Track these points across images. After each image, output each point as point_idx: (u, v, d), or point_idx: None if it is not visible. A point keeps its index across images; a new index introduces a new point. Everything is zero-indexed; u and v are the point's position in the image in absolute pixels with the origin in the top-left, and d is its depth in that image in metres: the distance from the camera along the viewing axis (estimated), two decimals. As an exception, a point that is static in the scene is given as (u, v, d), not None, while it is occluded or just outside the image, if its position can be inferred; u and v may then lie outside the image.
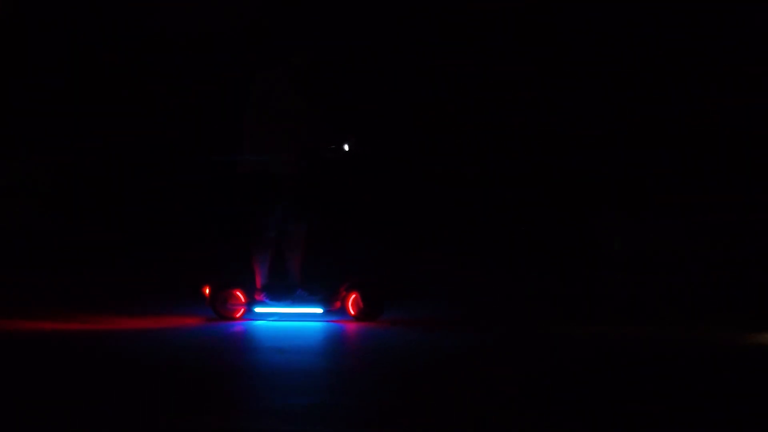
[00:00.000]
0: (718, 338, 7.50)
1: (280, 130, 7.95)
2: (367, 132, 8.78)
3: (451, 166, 13.04)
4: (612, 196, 13.05)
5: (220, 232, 10.97)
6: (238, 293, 8.15)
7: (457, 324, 8.29)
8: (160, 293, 9.88)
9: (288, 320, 8.10)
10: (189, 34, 13.41)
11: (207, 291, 8.19)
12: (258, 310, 8.14)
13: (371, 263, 8.36)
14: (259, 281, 8.12)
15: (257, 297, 8.11)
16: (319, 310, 8.11)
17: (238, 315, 8.16)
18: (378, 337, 7.48)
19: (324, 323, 8.03)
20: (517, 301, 9.79)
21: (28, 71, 14.03)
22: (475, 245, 11.90)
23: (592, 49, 13.30)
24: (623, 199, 12.90)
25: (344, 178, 8.09)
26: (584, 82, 13.31)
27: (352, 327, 7.91)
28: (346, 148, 7.99)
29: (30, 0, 14.08)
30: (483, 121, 13.47)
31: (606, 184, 13.18)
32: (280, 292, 8.11)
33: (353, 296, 8.05)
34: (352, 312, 8.09)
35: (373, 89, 12.81)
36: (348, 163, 7.99)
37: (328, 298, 8.09)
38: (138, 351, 6.81)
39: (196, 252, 11.02)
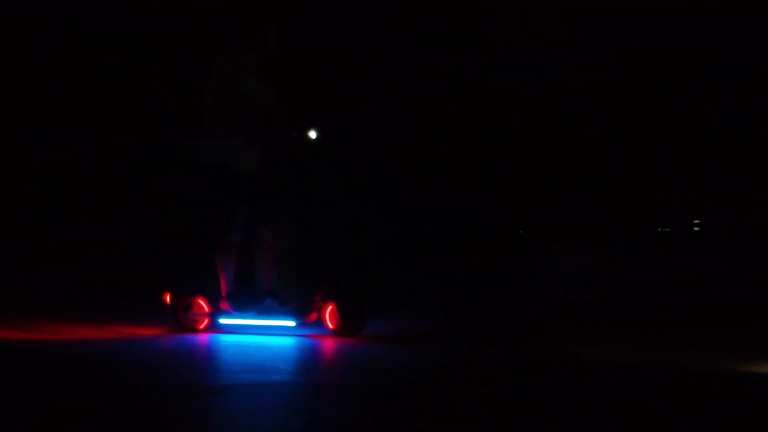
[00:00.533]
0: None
1: (241, 121, 6.10)
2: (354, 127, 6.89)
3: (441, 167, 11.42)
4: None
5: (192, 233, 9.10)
6: (201, 302, 6.29)
7: (447, 337, 6.46)
8: (129, 299, 8.09)
9: (257, 334, 6.22)
10: (189, 34, 11.79)
11: (168, 299, 6.37)
12: (223, 321, 6.27)
13: (350, 270, 6.42)
14: (224, 289, 6.26)
15: (222, 306, 6.25)
16: (292, 323, 6.17)
17: (201, 326, 6.29)
18: (358, 353, 5.59)
19: (296, 338, 6.11)
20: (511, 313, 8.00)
21: (28, 71, 12.50)
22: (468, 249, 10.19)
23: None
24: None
25: (320, 173, 6.16)
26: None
27: (328, 343, 5.97)
28: (313, 135, 6.05)
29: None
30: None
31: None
32: (247, 302, 6.24)
33: (330, 307, 6.13)
34: (330, 325, 6.16)
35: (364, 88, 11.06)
36: (318, 154, 6.09)
37: (302, 308, 6.15)
38: (81, 365, 5.01)
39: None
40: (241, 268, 6.21)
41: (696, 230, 12.25)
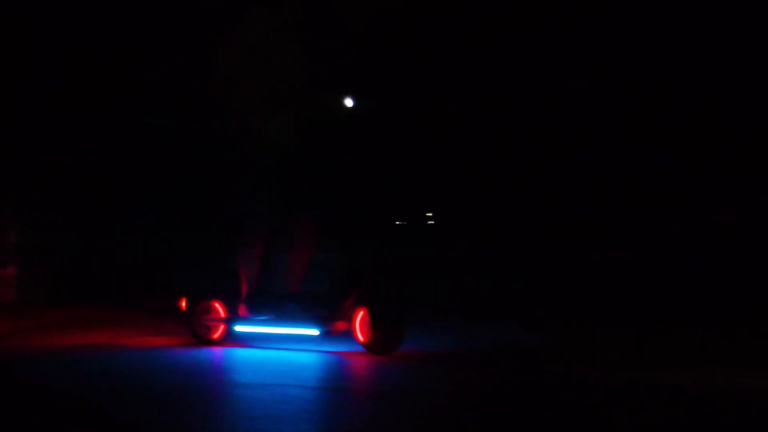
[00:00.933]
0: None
1: (271, 87, 5.18)
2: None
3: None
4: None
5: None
6: (218, 306, 5.45)
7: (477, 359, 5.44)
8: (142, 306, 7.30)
9: (272, 346, 5.32)
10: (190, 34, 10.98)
11: (184, 304, 5.54)
12: (238, 328, 5.39)
13: (388, 269, 5.42)
14: (244, 291, 5.40)
15: (240, 311, 5.42)
16: (315, 332, 5.17)
17: (216, 335, 5.46)
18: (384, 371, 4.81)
19: (315, 354, 5.12)
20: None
21: (29, 71, 11.71)
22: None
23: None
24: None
25: (355, 151, 5.24)
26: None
27: (356, 362, 4.96)
28: (350, 103, 5.16)
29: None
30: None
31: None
32: (267, 306, 5.35)
33: (361, 314, 5.09)
34: (361, 338, 5.11)
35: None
36: (355, 127, 5.20)
37: (329, 316, 5.16)
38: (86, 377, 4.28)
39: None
40: (267, 268, 5.31)
41: (430, 223, 11.80)
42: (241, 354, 5.14)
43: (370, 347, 5.11)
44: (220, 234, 5.66)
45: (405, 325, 5.05)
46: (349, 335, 5.19)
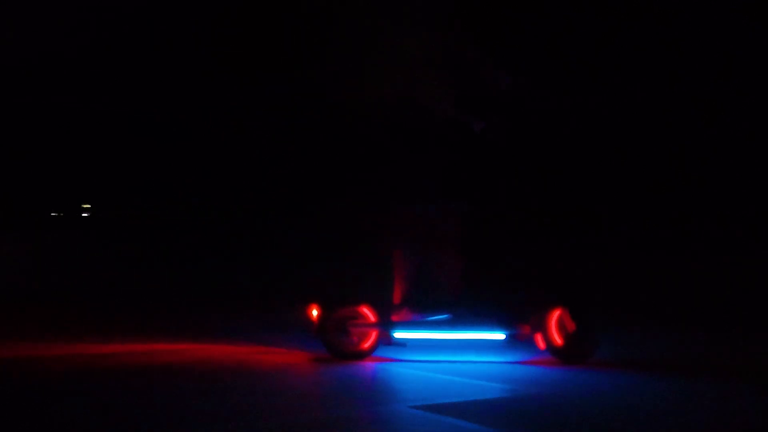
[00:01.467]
0: None
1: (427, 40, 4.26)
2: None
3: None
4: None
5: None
6: (366, 311, 4.48)
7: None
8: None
9: (438, 359, 4.29)
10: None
11: (314, 312, 4.56)
12: (399, 335, 4.37)
13: (581, 265, 4.47)
14: (400, 293, 4.44)
15: (397, 315, 4.42)
16: (500, 336, 4.21)
17: (367, 345, 4.47)
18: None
19: (507, 366, 4.12)
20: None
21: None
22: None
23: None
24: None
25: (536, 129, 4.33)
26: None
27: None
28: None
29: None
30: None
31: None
32: (434, 308, 4.28)
33: (557, 315, 4.15)
34: (558, 340, 4.18)
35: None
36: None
37: (514, 316, 4.18)
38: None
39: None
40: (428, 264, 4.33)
41: (85, 216, 11.22)
42: (409, 372, 4.12)
43: (564, 353, 4.19)
44: (368, 227, 4.68)
45: (601, 327, 4.18)
46: (532, 339, 4.22)
